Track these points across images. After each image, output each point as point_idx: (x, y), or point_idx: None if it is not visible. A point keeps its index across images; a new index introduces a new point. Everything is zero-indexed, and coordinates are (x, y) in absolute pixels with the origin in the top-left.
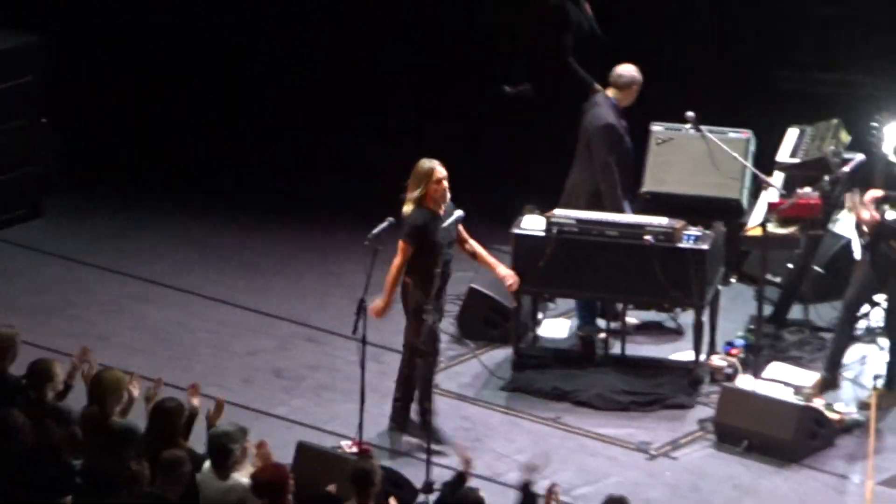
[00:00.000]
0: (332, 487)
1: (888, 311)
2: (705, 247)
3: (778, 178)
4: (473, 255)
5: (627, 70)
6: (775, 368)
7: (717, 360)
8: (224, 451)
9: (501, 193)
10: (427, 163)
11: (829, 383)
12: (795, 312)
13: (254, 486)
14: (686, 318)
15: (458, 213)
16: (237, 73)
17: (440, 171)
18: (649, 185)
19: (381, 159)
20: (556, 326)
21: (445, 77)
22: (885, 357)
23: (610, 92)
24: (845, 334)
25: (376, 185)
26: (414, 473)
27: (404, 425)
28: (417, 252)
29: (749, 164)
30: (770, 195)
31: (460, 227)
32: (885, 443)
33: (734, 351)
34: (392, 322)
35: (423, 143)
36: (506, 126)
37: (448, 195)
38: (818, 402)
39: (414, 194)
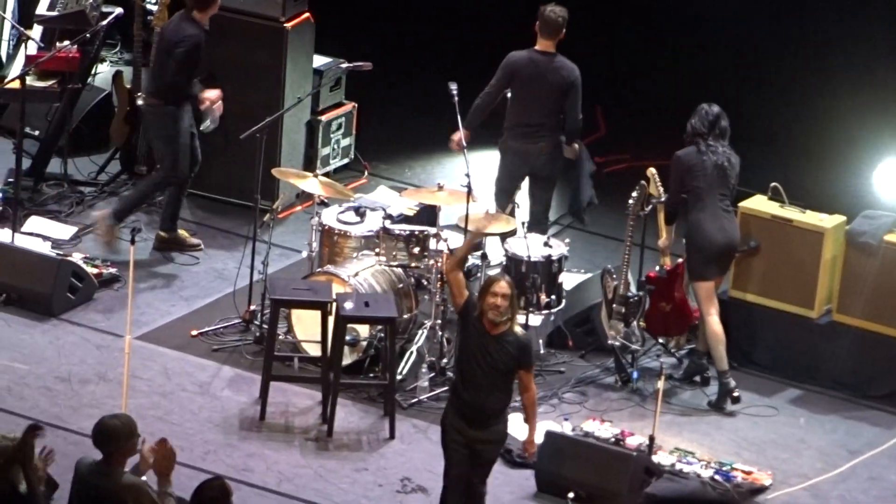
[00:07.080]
0: None
1: None
2: None
3: (37, 31)
4: (524, 405)
5: None
6: (34, 222)
7: None
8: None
9: None
10: (493, 277)
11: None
12: (54, 166)
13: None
14: None
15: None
16: None
17: (502, 286)
18: None
19: None
20: None
21: None
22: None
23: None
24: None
25: None
26: None
27: None
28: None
29: (7, 15)
30: (29, 48)
31: (523, 374)
32: (142, 298)
33: None
34: None
35: None
36: None
37: (505, 318)
38: (77, 256)
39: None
